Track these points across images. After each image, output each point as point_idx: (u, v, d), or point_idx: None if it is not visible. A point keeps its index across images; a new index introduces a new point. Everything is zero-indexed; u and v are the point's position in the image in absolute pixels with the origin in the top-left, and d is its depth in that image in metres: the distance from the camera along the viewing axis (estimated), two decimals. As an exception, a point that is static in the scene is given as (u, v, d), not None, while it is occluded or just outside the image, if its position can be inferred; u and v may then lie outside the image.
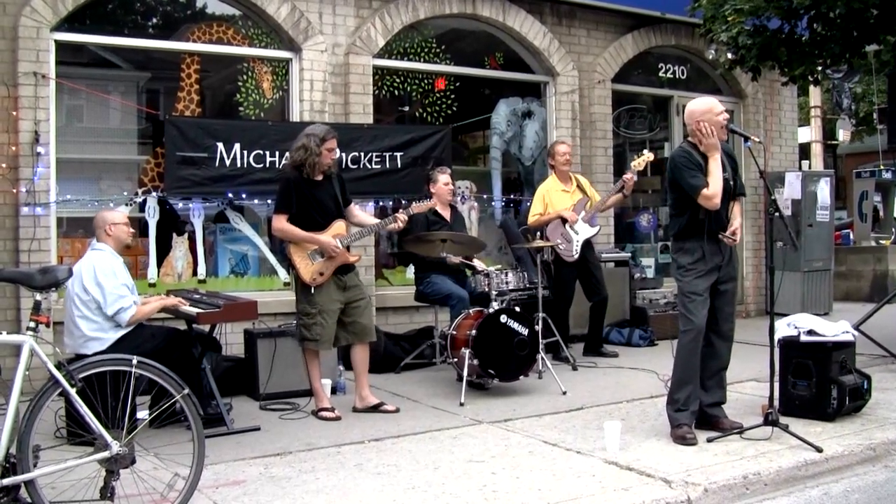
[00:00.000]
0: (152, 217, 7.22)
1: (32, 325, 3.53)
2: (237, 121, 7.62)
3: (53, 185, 6.65)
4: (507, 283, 6.67)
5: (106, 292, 4.92)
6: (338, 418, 5.53)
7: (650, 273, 9.84)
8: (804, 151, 16.28)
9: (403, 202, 7.35)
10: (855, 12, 6.76)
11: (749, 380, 6.39)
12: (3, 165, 6.46)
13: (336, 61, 7.91)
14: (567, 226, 7.49)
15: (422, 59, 8.61)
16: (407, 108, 9.12)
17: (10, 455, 3.38)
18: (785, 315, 5.82)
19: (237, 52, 7.71)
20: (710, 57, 9.42)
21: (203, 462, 3.73)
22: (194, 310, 5.21)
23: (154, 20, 7.79)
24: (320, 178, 5.63)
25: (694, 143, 4.96)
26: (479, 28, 8.97)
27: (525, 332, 6.12)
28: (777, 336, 5.34)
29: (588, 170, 9.14)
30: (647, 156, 7.57)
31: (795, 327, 5.47)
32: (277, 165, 7.25)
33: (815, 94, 18.13)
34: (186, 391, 3.69)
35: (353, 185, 6.75)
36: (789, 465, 4.40)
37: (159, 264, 7.30)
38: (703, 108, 4.93)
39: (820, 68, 8.25)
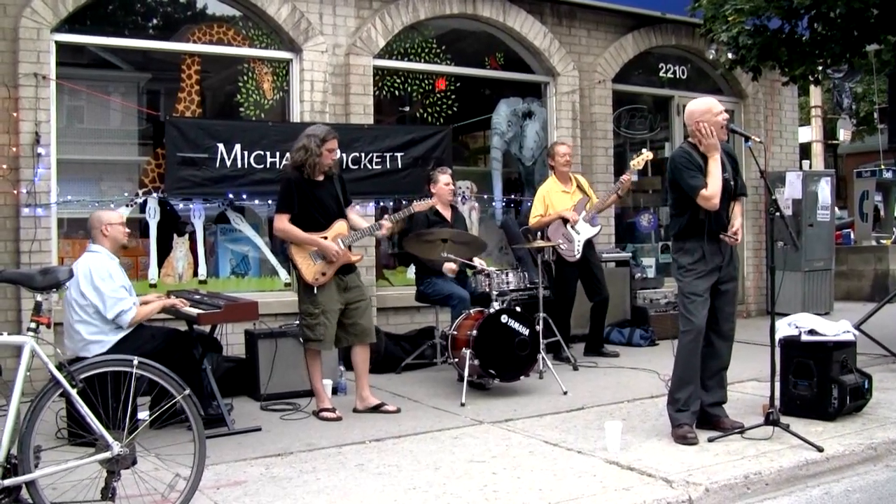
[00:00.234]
0: (153, 218, 7.23)
1: (33, 325, 3.53)
2: (238, 121, 7.62)
3: (54, 186, 6.65)
4: (507, 283, 6.68)
5: (104, 297, 4.90)
6: (339, 419, 5.53)
7: (651, 273, 9.85)
8: (805, 151, 16.29)
9: (404, 202, 7.35)
10: (855, 12, 6.76)
11: (750, 379, 6.39)
12: (4, 166, 6.47)
13: (336, 62, 7.92)
14: (568, 226, 7.49)
15: (422, 60, 8.61)
16: (407, 109, 9.12)
17: (12, 456, 3.38)
18: (786, 315, 5.82)
19: (237, 53, 7.71)
20: (711, 57, 9.42)
21: (204, 462, 3.73)
22: (195, 310, 5.21)
23: (154, 21, 7.79)
24: (321, 178, 5.64)
25: (694, 144, 4.96)
26: (480, 28, 8.97)
27: (526, 332, 6.12)
28: (778, 336, 5.33)
29: (588, 170, 9.15)
30: (646, 155, 7.58)
31: (796, 327, 5.47)
32: (278, 166, 7.25)
33: (815, 94, 18.14)
34: (187, 392, 3.69)
35: (354, 186, 6.75)
36: (790, 464, 4.40)
37: (160, 265, 7.30)
38: (703, 108, 4.93)
39: (820, 68, 8.25)
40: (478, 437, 5.04)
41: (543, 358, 6.49)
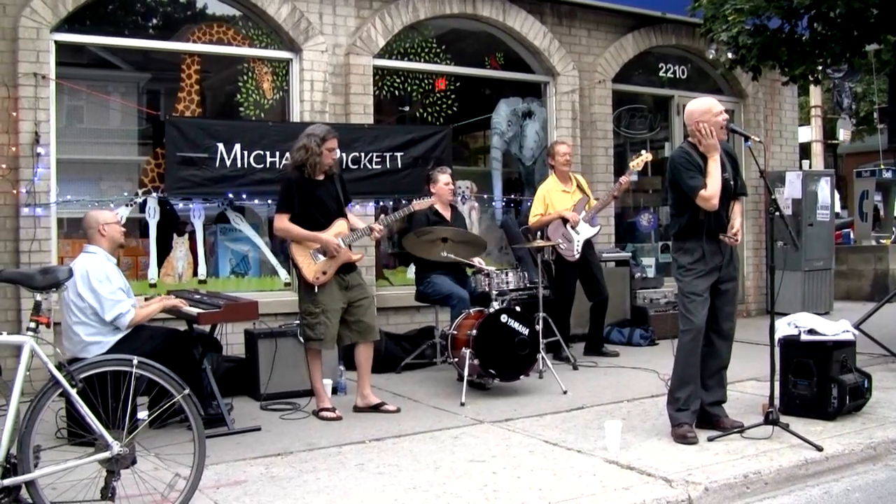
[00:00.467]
0: (153, 218, 7.23)
1: (33, 325, 3.53)
2: (238, 121, 7.62)
3: (54, 186, 6.65)
4: (507, 282, 6.68)
5: (102, 298, 4.87)
6: (339, 418, 5.53)
7: (651, 273, 9.85)
8: (805, 151, 16.29)
9: (404, 202, 7.35)
10: (855, 12, 6.76)
11: (750, 379, 6.39)
12: (4, 166, 6.46)
13: (336, 62, 7.92)
14: (568, 226, 7.50)
15: (422, 60, 8.61)
16: (407, 109, 9.12)
17: (11, 455, 3.38)
18: (785, 314, 5.82)
19: (237, 53, 7.71)
20: (711, 57, 9.43)
21: (204, 462, 3.74)
22: (195, 310, 5.20)
23: (154, 21, 7.79)
24: (321, 177, 5.64)
25: (694, 144, 4.96)
26: (480, 28, 8.97)
27: (526, 331, 6.12)
28: (777, 335, 5.34)
29: (588, 170, 9.15)
30: (645, 156, 7.59)
31: (796, 326, 5.47)
32: (278, 166, 7.26)
33: (815, 94, 18.14)
34: (187, 391, 3.69)
35: (354, 186, 6.76)
36: (790, 464, 4.40)
37: (160, 265, 7.30)
38: (702, 108, 4.93)
39: (820, 68, 8.26)
40: (478, 437, 5.04)
41: (543, 357, 6.50)
